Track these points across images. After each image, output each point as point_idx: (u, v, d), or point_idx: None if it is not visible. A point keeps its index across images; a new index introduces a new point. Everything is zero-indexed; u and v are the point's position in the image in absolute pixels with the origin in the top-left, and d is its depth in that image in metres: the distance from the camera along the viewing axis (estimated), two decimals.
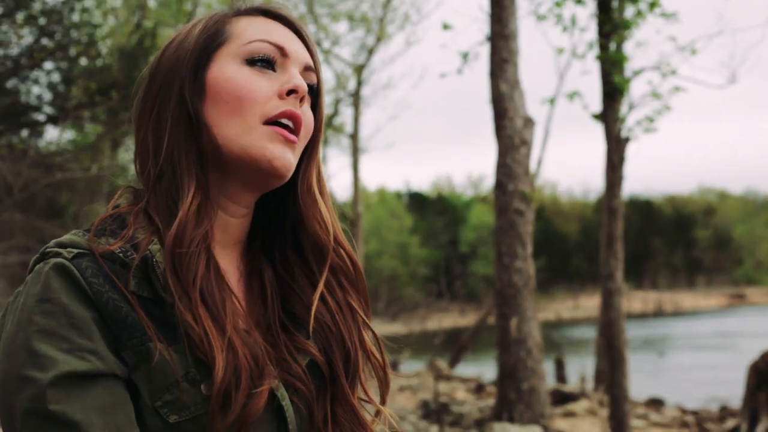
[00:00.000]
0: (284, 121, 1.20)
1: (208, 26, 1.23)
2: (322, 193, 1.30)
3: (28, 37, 11.40)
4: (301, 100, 1.23)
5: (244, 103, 1.18)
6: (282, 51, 1.22)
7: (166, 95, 1.22)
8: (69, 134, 16.25)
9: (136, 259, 1.13)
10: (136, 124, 1.25)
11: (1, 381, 1.07)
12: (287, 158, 1.20)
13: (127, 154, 18.18)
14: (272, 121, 1.20)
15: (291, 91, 1.21)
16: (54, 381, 1.03)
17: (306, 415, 1.21)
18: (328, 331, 1.26)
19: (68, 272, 1.09)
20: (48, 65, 12.03)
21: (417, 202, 67.47)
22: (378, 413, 1.31)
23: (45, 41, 11.53)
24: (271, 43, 1.22)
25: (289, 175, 1.22)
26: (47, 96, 12.40)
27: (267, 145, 1.18)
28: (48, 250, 1.14)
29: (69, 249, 1.13)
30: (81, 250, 1.12)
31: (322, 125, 1.30)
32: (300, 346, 1.24)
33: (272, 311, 1.26)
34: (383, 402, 1.32)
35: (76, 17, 12.27)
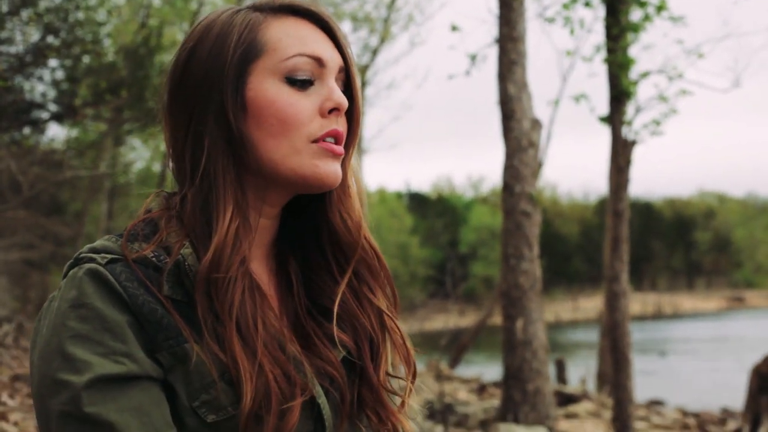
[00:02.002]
0: (329, 139, 1.21)
1: (243, 36, 1.19)
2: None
3: (34, 35, 11.38)
4: None
5: (290, 127, 1.18)
6: (320, 62, 1.21)
7: (203, 106, 1.19)
8: (74, 132, 16.22)
9: (169, 263, 1.14)
10: (168, 127, 1.23)
11: (36, 385, 1.09)
12: (338, 172, 1.22)
13: (130, 152, 18.21)
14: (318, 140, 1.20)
15: (333, 109, 1.21)
16: (89, 384, 1.04)
17: (339, 402, 1.23)
18: (354, 318, 1.28)
19: (102, 277, 1.10)
20: (52, 62, 12.00)
21: (417, 202, 67.45)
22: (408, 394, 1.32)
23: (50, 39, 11.51)
24: (309, 56, 1.20)
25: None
26: (51, 93, 12.38)
27: (318, 164, 1.19)
28: (82, 255, 1.15)
29: (102, 255, 1.14)
30: (114, 256, 1.14)
31: (359, 122, 1.28)
32: (329, 333, 1.25)
33: (299, 302, 1.28)
34: (411, 382, 1.34)
35: (81, 15, 12.25)
